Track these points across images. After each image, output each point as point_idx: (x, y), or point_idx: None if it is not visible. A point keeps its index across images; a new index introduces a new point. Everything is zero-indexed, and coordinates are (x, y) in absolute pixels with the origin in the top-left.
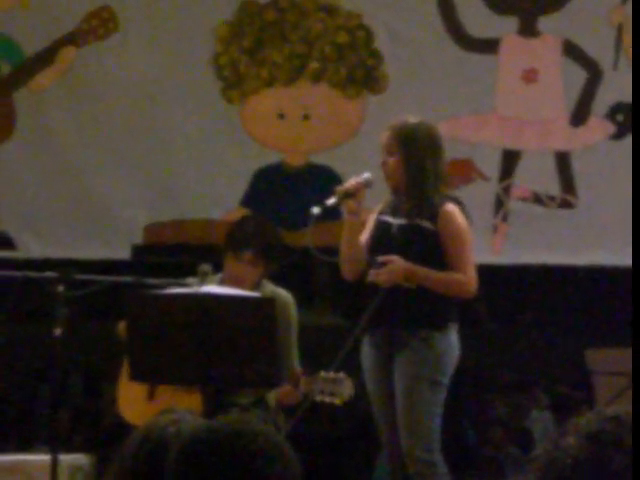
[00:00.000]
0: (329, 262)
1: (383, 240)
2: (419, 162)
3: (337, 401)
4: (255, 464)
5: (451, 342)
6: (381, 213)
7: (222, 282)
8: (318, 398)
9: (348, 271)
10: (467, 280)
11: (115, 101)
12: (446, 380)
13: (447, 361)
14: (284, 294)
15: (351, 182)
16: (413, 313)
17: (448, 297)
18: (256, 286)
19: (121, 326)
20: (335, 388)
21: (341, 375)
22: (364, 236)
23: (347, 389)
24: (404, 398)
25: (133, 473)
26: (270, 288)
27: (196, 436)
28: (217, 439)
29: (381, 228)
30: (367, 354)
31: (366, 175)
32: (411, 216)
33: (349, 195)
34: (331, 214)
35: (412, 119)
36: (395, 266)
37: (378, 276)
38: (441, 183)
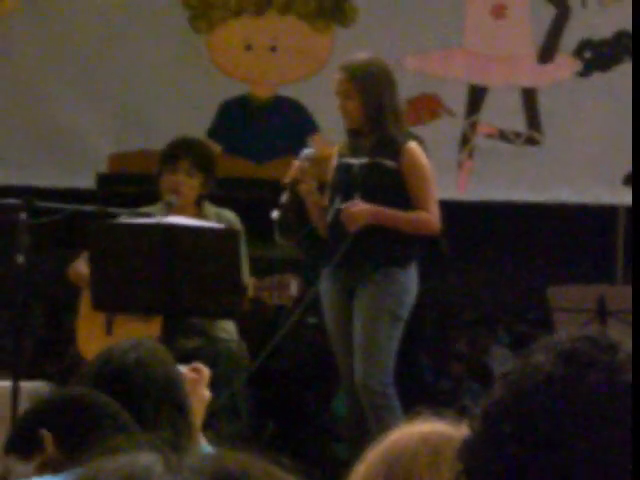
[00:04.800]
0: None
1: (345, 181)
2: (377, 100)
3: (285, 301)
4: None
5: (412, 278)
6: (341, 155)
7: (169, 208)
8: (267, 300)
9: (322, 233)
10: (432, 218)
11: (82, 27)
12: (405, 316)
13: (408, 297)
14: (228, 213)
15: (292, 169)
16: (376, 250)
17: (411, 235)
18: (198, 207)
19: (71, 270)
20: (282, 289)
21: (287, 276)
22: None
23: (294, 288)
24: (364, 330)
25: None
26: (214, 210)
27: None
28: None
29: (342, 170)
30: (327, 289)
31: (305, 152)
32: (373, 154)
33: (297, 182)
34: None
35: (362, 56)
36: (357, 212)
37: (348, 225)
38: (400, 119)
